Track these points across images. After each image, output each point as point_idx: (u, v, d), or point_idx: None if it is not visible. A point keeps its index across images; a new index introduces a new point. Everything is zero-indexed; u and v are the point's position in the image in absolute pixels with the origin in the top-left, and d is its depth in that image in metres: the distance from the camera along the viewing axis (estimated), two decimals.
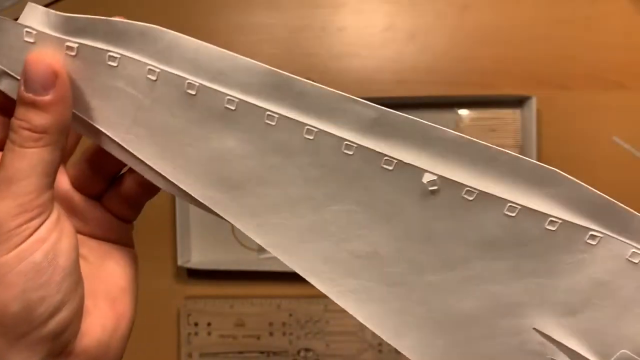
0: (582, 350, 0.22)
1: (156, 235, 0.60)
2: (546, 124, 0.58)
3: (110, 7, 0.61)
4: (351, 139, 0.21)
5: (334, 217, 0.23)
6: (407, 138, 0.21)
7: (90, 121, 0.22)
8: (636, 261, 0.21)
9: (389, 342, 0.24)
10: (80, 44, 0.21)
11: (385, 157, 0.21)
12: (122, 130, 0.22)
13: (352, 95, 0.21)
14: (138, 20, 0.22)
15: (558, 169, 0.21)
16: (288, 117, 0.21)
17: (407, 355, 0.24)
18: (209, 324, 0.60)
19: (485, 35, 0.59)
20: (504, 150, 0.21)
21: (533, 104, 0.56)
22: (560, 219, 0.21)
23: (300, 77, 0.21)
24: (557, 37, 0.59)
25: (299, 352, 0.59)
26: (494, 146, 0.21)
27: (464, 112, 0.59)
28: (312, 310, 0.59)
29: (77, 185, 0.25)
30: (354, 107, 0.21)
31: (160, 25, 0.21)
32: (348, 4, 0.60)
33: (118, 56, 0.21)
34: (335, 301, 0.24)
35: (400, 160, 0.21)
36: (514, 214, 0.21)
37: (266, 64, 0.21)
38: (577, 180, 0.21)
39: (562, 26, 0.59)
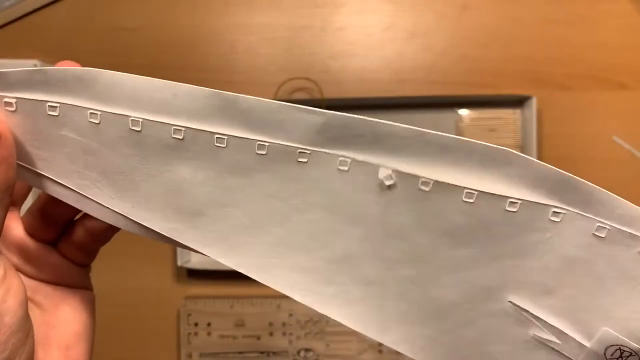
0: (564, 328, 0.22)
1: None
2: (546, 124, 0.58)
3: (111, 7, 0.61)
4: (303, 146, 0.21)
5: (301, 227, 0.23)
6: (357, 137, 0.21)
7: (42, 172, 0.22)
8: (602, 235, 0.21)
9: (375, 339, 0.24)
10: (17, 98, 0.21)
11: (340, 158, 0.21)
12: (75, 177, 0.22)
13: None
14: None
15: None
16: (237, 137, 0.21)
17: (396, 349, 0.24)
18: (208, 324, 0.60)
19: (485, 35, 0.59)
20: (454, 136, 0.21)
21: (533, 104, 0.56)
22: (519, 199, 0.21)
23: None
24: (557, 37, 0.59)
25: (299, 352, 0.59)
26: (444, 134, 0.21)
27: (464, 112, 0.59)
28: (312, 310, 0.59)
29: (31, 232, 0.25)
30: (300, 115, 0.21)
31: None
32: (348, 3, 0.60)
33: (57, 105, 0.21)
34: (320, 312, 0.24)
35: (354, 159, 0.21)
36: (472, 200, 0.21)
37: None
38: (531, 158, 0.21)
39: (563, 26, 0.59)
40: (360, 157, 0.21)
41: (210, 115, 0.21)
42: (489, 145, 0.21)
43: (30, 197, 0.27)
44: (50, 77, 0.21)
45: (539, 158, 0.57)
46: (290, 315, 0.59)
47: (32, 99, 0.21)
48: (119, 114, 0.21)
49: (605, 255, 0.21)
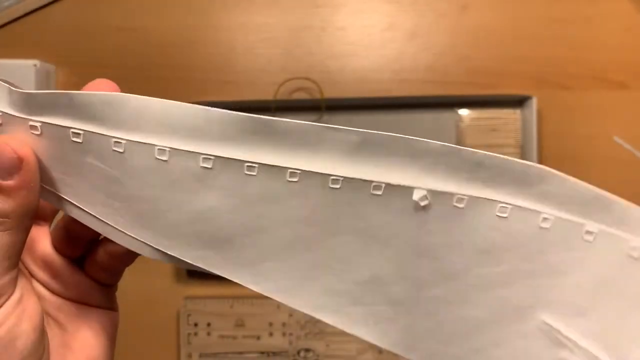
0: (596, 351, 0.22)
1: None
2: (547, 124, 0.58)
3: (110, 7, 0.61)
4: (336, 173, 0.21)
5: (331, 251, 0.22)
6: (392, 155, 0.21)
7: (66, 198, 0.22)
8: (636, 255, 0.20)
9: (402, 355, 0.24)
10: (42, 122, 0.21)
11: (373, 184, 0.21)
12: (98, 204, 0.22)
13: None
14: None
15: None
16: (268, 165, 0.21)
17: None
18: (208, 324, 0.60)
19: (485, 35, 0.59)
20: (490, 154, 0.21)
21: (533, 103, 0.56)
22: (552, 215, 0.21)
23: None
24: (558, 37, 0.59)
25: (298, 352, 0.59)
26: (479, 151, 0.21)
27: (464, 112, 0.59)
28: None
29: (57, 247, 0.25)
30: (337, 135, 0.20)
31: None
32: (348, 3, 0.60)
33: (81, 132, 0.20)
34: (347, 331, 0.23)
35: (388, 183, 0.21)
36: (506, 215, 0.21)
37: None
38: (566, 176, 0.21)
39: (563, 26, 0.59)
40: (394, 179, 0.21)
41: (242, 141, 0.20)
42: (524, 162, 0.20)
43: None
44: (76, 102, 0.20)
45: (539, 158, 0.57)
46: (290, 315, 0.59)
47: (57, 124, 0.20)
48: (145, 143, 0.20)
49: (638, 274, 0.21)
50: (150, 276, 0.61)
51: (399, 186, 0.21)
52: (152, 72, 0.61)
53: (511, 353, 0.23)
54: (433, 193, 0.21)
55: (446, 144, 0.21)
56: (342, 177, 0.21)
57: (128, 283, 0.61)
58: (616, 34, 0.58)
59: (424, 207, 0.21)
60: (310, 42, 0.60)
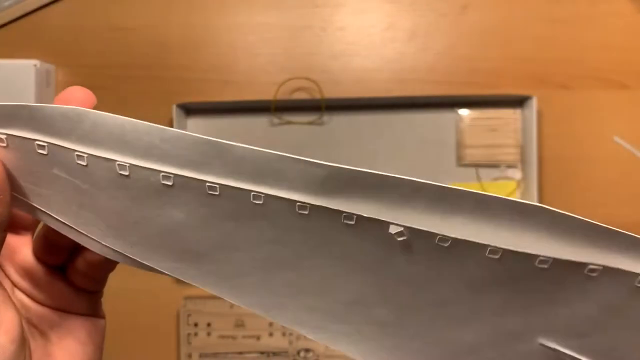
0: None
1: None
2: (547, 124, 0.58)
3: (110, 7, 0.61)
4: (303, 200, 0.19)
5: (308, 272, 0.21)
6: (362, 190, 0.19)
7: (40, 208, 0.22)
8: None
9: None
10: (7, 134, 0.20)
11: (344, 214, 0.19)
12: (71, 214, 0.22)
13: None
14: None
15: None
16: (230, 186, 0.20)
17: None
18: (208, 325, 0.60)
19: (485, 35, 0.59)
20: (471, 191, 0.19)
21: (533, 103, 0.56)
22: (550, 257, 0.19)
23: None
24: (558, 37, 0.59)
25: (298, 352, 0.59)
26: (454, 187, 0.19)
27: (464, 112, 0.59)
28: None
29: (39, 256, 0.25)
30: (300, 167, 0.19)
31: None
32: (348, 3, 0.60)
33: (45, 144, 0.20)
34: (329, 346, 0.23)
35: (360, 215, 0.19)
36: (497, 256, 0.19)
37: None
38: (564, 212, 0.19)
39: (563, 26, 0.59)
40: (367, 212, 0.19)
41: (201, 163, 0.20)
42: (513, 200, 0.19)
43: None
44: (37, 114, 0.20)
45: (540, 158, 0.57)
46: None
47: (21, 137, 0.20)
48: (106, 158, 0.20)
49: None
50: (150, 276, 0.61)
51: (372, 219, 0.19)
52: (152, 72, 0.61)
53: None
54: (410, 230, 0.19)
55: (417, 179, 0.19)
56: (309, 204, 0.20)
57: (128, 283, 0.61)
58: (616, 34, 0.58)
59: (403, 242, 0.20)
60: (310, 42, 0.60)
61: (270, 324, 0.59)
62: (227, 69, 0.61)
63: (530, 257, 0.19)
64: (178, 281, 0.61)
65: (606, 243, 0.19)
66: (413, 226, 0.19)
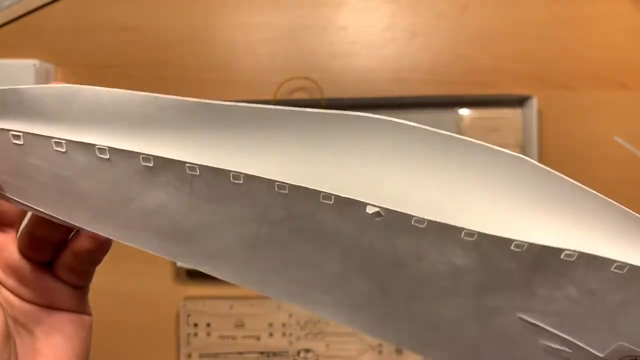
0: (577, 341, 0.21)
1: None
2: (547, 124, 0.58)
3: (110, 6, 0.61)
4: (281, 179, 0.20)
5: (292, 249, 0.22)
6: (346, 148, 0.19)
7: (20, 201, 0.22)
8: (621, 272, 0.19)
9: (376, 338, 0.24)
10: None
11: (322, 194, 0.20)
12: (50, 204, 0.22)
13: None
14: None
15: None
16: (209, 167, 0.20)
17: (409, 350, 0.24)
18: (208, 325, 0.60)
19: (485, 34, 0.59)
20: (467, 138, 0.19)
21: (534, 103, 0.56)
22: (525, 242, 0.19)
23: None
24: (558, 37, 0.59)
25: (298, 352, 0.59)
26: (442, 132, 0.19)
27: (464, 111, 0.59)
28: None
29: (24, 253, 0.25)
30: (297, 115, 0.19)
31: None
32: (348, 3, 0.60)
33: (20, 134, 0.20)
34: (322, 316, 0.24)
35: (338, 195, 0.19)
36: (473, 238, 0.19)
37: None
38: (552, 171, 0.19)
39: (563, 26, 0.59)
40: (344, 191, 0.20)
41: (193, 130, 0.20)
42: (506, 152, 0.19)
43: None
44: (25, 98, 0.20)
45: (540, 158, 0.57)
46: (290, 315, 0.59)
47: None
48: (85, 142, 0.20)
49: (623, 287, 0.20)
50: (150, 277, 0.61)
51: (349, 199, 0.20)
52: (152, 71, 0.61)
53: (494, 340, 0.23)
54: (387, 211, 0.19)
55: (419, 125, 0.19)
56: (287, 184, 0.20)
57: (128, 283, 0.61)
58: (616, 34, 0.58)
59: (381, 221, 0.20)
60: (311, 42, 0.60)
61: (270, 324, 0.59)
62: (227, 68, 0.61)
63: (506, 241, 0.19)
64: (178, 281, 0.61)
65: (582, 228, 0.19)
66: (389, 207, 0.19)
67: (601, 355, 0.21)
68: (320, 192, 0.20)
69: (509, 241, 0.19)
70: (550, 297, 0.21)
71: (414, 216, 0.19)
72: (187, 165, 0.20)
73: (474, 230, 0.19)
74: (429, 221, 0.19)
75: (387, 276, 0.22)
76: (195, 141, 0.20)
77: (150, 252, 0.23)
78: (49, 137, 0.20)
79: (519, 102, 0.58)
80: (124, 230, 0.22)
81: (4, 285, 0.25)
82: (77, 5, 0.61)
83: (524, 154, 0.62)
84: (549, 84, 0.59)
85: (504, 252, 0.19)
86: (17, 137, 0.20)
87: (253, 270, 0.23)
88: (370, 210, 0.19)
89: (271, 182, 0.20)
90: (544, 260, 0.20)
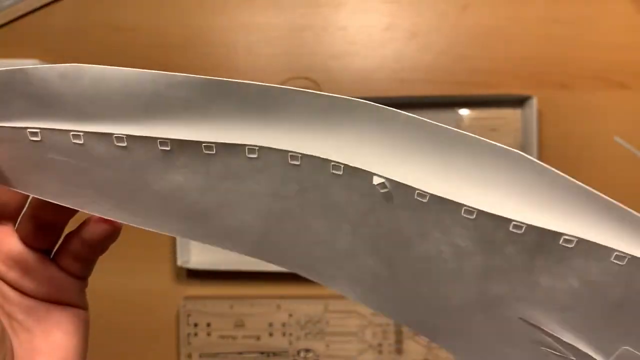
0: (580, 345, 0.21)
1: (156, 235, 0.60)
2: (547, 124, 0.58)
3: (111, 7, 0.61)
4: (294, 150, 0.20)
5: (305, 223, 0.22)
6: (354, 127, 0.20)
7: (37, 197, 0.22)
8: (621, 263, 0.19)
9: (387, 318, 0.24)
10: None
11: (332, 163, 0.20)
12: (69, 197, 0.22)
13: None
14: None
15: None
16: (226, 144, 0.20)
17: (411, 329, 0.24)
18: (208, 325, 0.60)
19: (485, 34, 0.59)
20: (458, 130, 0.19)
21: (534, 103, 0.56)
22: (523, 223, 0.19)
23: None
24: (558, 37, 0.59)
25: (298, 352, 0.59)
26: (450, 128, 0.19)
27: (464, 111, 0.59)
28: (312, 311, 0.59)
29: (27, 240, 0.25)
30: (302, 97, 0.20)
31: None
32: (348, 3, 0.60)
33: (37, 130, 0.20)
34: (330, 288, 0.24)
35: (347, 165, 0.20)
36: (472, 217, 0.19)
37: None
38: (549, 168, 0.18)
39: (563, 26, 0.59)
40: (353, 161, 0.20)
41: (204, 108, 0.20)
42: (496, 144, 0.19)
43: None
44: (32, 78, 0.20)
45: (540, 158, 0.57)
46: (290, 315, 0.59)
47: (12, 127, 0.20)
48: (103, 133, 0.20)
49: (623, 281, 0.19)
50: (150, 276, 0.61)
51: (357, 169, 0.20)
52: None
53: (497, 333, 0.23)
54: (392, 182, 0.20)
55: (417, 117, 0.19)
56: (300, 153, 0.20)
57: (128, 283, 0.61)
58: (616, 34, 0.58)
59: (385, 194, 0.20)
60: (311, 42, 0.60)
61: (270, 324, 0.59)
62: (227, 69, 0.61)
63: (504, 221, 0.19)
64: (178, 281, 0.61)
65: (581, 214, 0.18)
66: (393, 178, 0.20)
67: None
68: (330, 161, 0.20)
69: (507, 221, 0.19)
70: (553, 288, 0.20)
71: (417, 189, 0.20)
72: (203, 144, 0.20)
73: (473, 207, 0.19)
74: (431, 195, 0.20)
75: (394, 255, 0.22)
76: (206, 119, 0.20)
77: (169, 234, 0.23)
78: (66, 130, 0.20)
79: (519, 102, 0.58)
80: (142, 215, 0.23)
81: (4, 280, 0.25)
82: (76, 5, 0.61)
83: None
84: (549, 84, 0.59)
85: (504, 233, 0.19)
86: (34, 134, 0.20)
87: (269, 245, 0.23)
88: (376, 181, 0.20)
89: (284, 154, 0.20)
90: (543, 245, 0.19)
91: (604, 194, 0.19)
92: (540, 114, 0.58)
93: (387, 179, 0.20)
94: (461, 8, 0.59)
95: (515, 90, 0.58)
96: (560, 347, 0.22)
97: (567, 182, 0.18)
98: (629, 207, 0.19)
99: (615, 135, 0.58)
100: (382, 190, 0.20)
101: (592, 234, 0.19)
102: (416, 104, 0.59)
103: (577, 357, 0.22)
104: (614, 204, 0.18)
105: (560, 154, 0.58)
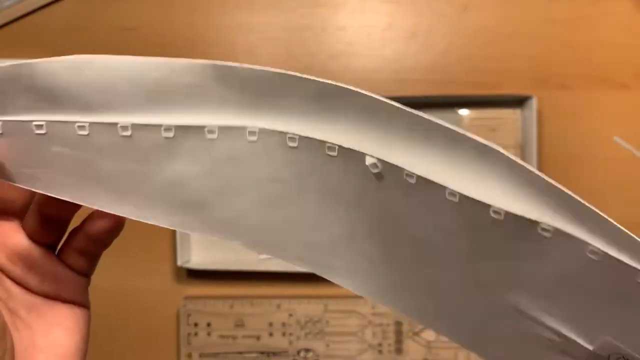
0: (566, 331, 0.21)
1: (156, 235, 0.60)
2: (547, 124, 0.58)
3: (111, 6, 0.61)
4: (292, 131, 0.21)
5: (302, 208, 0.23)
6: (348, 114, 0.21)
7: (40, 192, 0.22)
8: (595, 258, 0.19)
9: (384, 306, 0.24)
10: (2, 121, 0.21)
11: (327, 144, 0.21)
12: (72, 190, 0.22)
13: None
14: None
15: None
16: (228, 127, 0.21)
17: (406, 315, 0.24)
18: (208, 324, 0.60)
19: (485, 34, 0.59)
20: (443, 124, 0.19)
21: (533, 103, 0.56)
22: (502, 210, 0.19)
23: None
24: (558, 37, 0.59)
25: (298, 352, 0.59)
26: (437, 121, 0.20)
27: (464, 112, 0.59)
28: (312, 311, 0.59)
29: (33, 235, 0.25)
30: (299, 84, 0.21)
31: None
32: (348, 3, 0.60)
33: (42, 123, 0.21)
34: (329, 279, 0.24)
35: (341, 146, 0.21)
36: (456, 199, 0.20)
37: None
38: (518, 161, 0.19)
39: (563, 26, 0.59)
40: (346, 142, 0.21)
41: (206, 93, 0.20)
42: (480, 142, 0.19)
43: None
44: (37, 73, 0.20)
45: (539, 158, 0.57)
46: (290, 315, 0.59)
47: (17, 120, 0.21)
48: (107, 123, 0.21)
49: (598, 275, 0.19)
50: (150, 276, 0.61)
51: (350, 150, 0.21)
52: None
53: (486, 322, 0.23)
54: (383, 163, 0.20)
55: (405, 108, 0.20)
56: (297, 135, 0.21)
57: (128, 283, 0.61)
58: (616, 34, 0.58)
59: (377, 175, 0.21)
60: (310, 42, 0.60)
61: (270, 324, 0.59)
62: None
63: (484, 207, 0.19)
64: (178, 281, 0.61)
65: (562, 207, 0.19)
66: (384, 158, 0.20)
67: (590, 348, 0.21)
68: (326, 142, 0.21)
69: (487, 206, 0.19)
70: (539, 274, 0.21)
71: (405, 169, 0.20)
72: (206, 129, 0.21)
73: (455, 190, 0.19)
74: (418, 176, 0.20)
75: (388, 238, 0.22)
76: (209, 104, 0.21)
77: (170, 227, 0.23)
78: (71, 121, 0.21)
79: (519, 102, 0.58)
80: (144, 208, 0.23)
81: (9, 275, 0.25)
82: (77, 5, 0.61)
83: (523, 154, 0.61)
84: (549, 84, 0.59)
85: (485, 217, 0.20)
86: (39, 126, 0.21)
87: (268, 233, 0.24)
88: (368, 161, 0.20)
89: (283, 136, 0.21)
90: (523, 231, 0.19)
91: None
92: (540, 114, 0.58)
93: (378, 159, 0.20)
94: (461, 8, 0.59)
95: (515, 91, 0.58)
96: (548, 332, 0.22)
97: (542, 181, 0.19)
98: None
99: (615, 135, 0.58)
100: (374, 171, 0.21)
101: (570, 229, 0.19)
102: (416, 104, 0.59)
103: (563, 340, 0.22)
104: (587, 206, 0.19)
105: (560, 154, 0.58)
